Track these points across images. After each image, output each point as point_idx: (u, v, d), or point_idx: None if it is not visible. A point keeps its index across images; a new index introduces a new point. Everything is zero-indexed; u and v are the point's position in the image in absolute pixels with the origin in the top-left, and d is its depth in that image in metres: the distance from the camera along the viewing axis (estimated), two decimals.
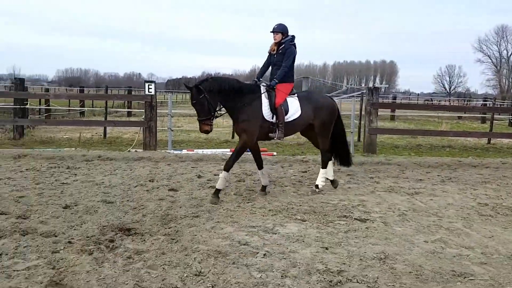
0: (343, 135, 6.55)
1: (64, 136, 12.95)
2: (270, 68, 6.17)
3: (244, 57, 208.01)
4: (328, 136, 6.21)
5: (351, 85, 62.58)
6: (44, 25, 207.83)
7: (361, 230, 4.53)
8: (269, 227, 4.49)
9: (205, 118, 5.39)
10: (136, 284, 3.11)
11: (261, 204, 5.38)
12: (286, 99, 5.85)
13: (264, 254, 3.74)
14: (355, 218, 4.92)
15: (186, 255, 3.66)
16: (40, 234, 4.04)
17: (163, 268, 3.39)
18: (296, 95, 6.04)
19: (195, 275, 3.28)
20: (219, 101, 5.53)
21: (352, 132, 10.76)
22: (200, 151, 9.90)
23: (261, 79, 6.05)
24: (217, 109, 5.52)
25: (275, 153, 9.95)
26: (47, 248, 3.70)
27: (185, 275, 3.28)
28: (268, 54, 6.18)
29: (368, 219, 4.92)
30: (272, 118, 5.71)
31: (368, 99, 10.43)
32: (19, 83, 12.68)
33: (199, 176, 7.03)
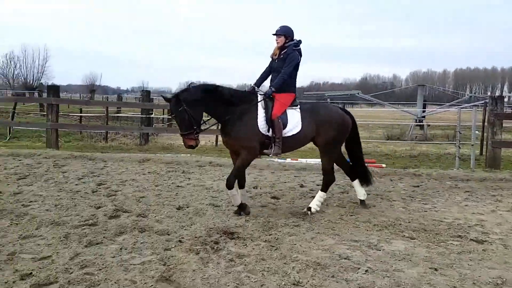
0: (358, 150, 5.89)
1: (182, 143, 14.04)
2: (271, 75, 5.49)
3: (354, 63, 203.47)
4: (333, 155, 5.56)
5: (474, 93, 57.02)
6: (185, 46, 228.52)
7: (477, 252, 4.09)
8: (373, 243, 4.29)
9: (187, 133, 4.84)
10: (236, 287, 3.22)
11: (366, 218, 5.17)
12: (285, 111, 5.22)
13: (366, 270, 3.58)
14: (471, 239, 4.45)
15: (285, 263, 3.68)
16: (156, 232, 4.41)
17: (262, 274, 3.45)
18: (298, 107, 5.39)
19: (293, 284, 3.28)
20: (206, 111, 5.01)
21: (472, 145, 9.78)
22: (304, 160, 9.90)
23: (256, 88, 5.40)
24: (202, 121, 5.01)
25: (384, 165, 9.50)
26: (160, 246, 4.02)
27: (283, 283, 3.29)
28: (270, 59, 5.53)
29: (486, 241, 4.42)
30: (268, 132, 5.10)
31: (491, 109, 9.40)
32: (146, 94, 14.15)
33: (301, 186, 7.03)
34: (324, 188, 5.54)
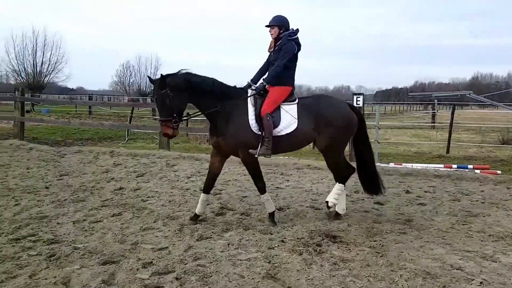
0: (368, 153, 5.25)
1: None
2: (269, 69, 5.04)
3: (464, 65, 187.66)
4: (339, 156, 5.08)
5: None
6: None
7: None
8: (488, 254, 3.96)
9: (165, 120, 4.50)
10: None
11: (479, 228, 4.78)
12: (279, 107, 4.81)
13: (481, 282, 3.33)
14: None
15: (392, 270, 3.57)
16: (259, 231, 4.58)
17: (368, 280, 3.39)
18: (295, 102, 4.92)
19: None
20: (190, 102, 4.71)
21: None
22: (409, 165, 9.42)
23: (252, 84, 4.99)
24: (184, 111, 4.73)
25: (499, 172, 8.64)
26: (264, 244, 4.17)
27: None
28: (268, 53, 5.13)
29: None
30: (260, 130, 4.69)
31: None
32: None
33: (407, 192, 6.71)
34: (342, 181, 5.14)
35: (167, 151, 10.41)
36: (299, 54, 5.04)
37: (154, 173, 7.84)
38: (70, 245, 4.02)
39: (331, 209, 5.11)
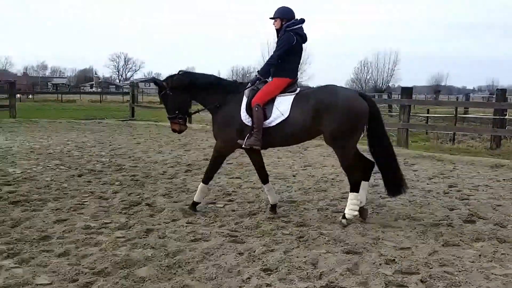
0: (386, 147, 4.65)
1: None
2: None
3: None
4: (348, 147, 4.55)
5: None
6: None
7: None
8: None
9: (171, 117, 4.96)
10: None
11: None
12: (274, 98, 4.67)
13: None
14: None
15: None
16: None
17: None
18: (295, 92, 4.71)
19: None
20: (193, 99, 5.07)
21: None
22: None
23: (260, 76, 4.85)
24: (188, 108, 5.05)
25: None
26: None
27: None
28: None
29: None
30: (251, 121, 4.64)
31: None
32: (500, 93, 12.74)
33: None
34: (355, 188, 4.60)
35: (405, 149, 10.07)
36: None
37: None
38: (316, 230, 4.39)
39: (345, 222, 4.57)
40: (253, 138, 4.63)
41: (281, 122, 4.62)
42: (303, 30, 4.90)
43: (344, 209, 4.67)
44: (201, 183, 5.00)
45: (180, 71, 5.09)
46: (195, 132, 13.81)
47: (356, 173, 4.67)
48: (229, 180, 6.79)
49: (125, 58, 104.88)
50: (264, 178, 5.08)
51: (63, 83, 74.21)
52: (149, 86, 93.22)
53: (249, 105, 4.69)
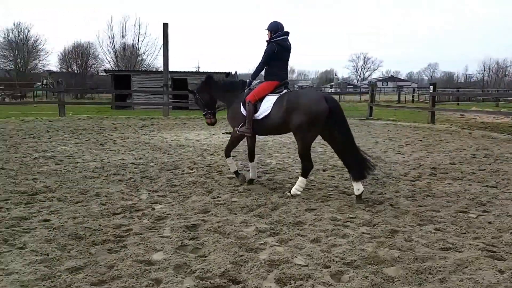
0: (347, 141, 5.35)
1: None
2: None
3: None
4: (305, 140, 5.47)
5: None
6: None
7: None
8: None
9: (204, 114, 6.54)
10: None
11: None
12: (264, 97, 5.75)
13: None
14: None
15: None
16: None
17: None
18: (281, 93, 5.73)
19: None
20: (215, 98, 6.45)
21: None
22: None
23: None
24: (214, 104, 6.53)
25: None
26: None
27: None
28: None
29: None
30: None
31: None
32: None
33: None
34: (303, 174, 5.57)
35: None
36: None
37: None
38: None
39: (289, 194, 5.48)
40: (245, 127, 5.81)
41: (264, 116, 5.69)
42: (286, 41, 5.85)
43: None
44: (225, 158, 6.37)
45: (207, 76, 6.52)
46: (439, 134, 12.85)
47: (309, 162, 5.52)
48: (482, 188, 6.03)
49: (364, 58, 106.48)
50: (251, 158, 6.23)
51: (307, 85, 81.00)
52: (387, 85, 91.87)
53: (244, 101, 5.86)
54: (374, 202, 5.27)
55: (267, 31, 5.84)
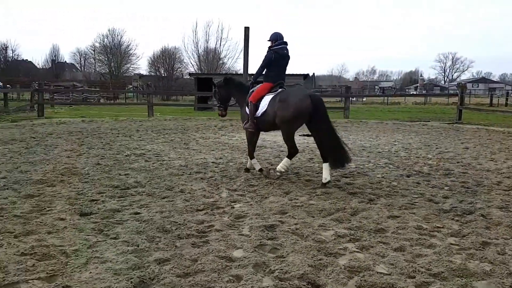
0: (328, 135, 6.13)
1: None
2: None
3: None
4: (287, 132, 6.38)
5: None
6: None
7: None
8: None
9: (218, 105, 7.53)
10: None
11: None
12: (262, 97, 6.57)
13: None
14: None
15: None
16: None
17: None
18: (276, 92, 6.52)
19: None
20: (232, 96, 7.36)
21: None
22: None
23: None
24: (229, 100, 7.46)
25: None
26: None
27: None
28: None
29: None
30: None
31: None
32: None
33: None
34: (289, 156, 6.53)
35: None
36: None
37: None
38: None
39: (276, 174, 6.51)
40: (248, 124, 6.72)
41: (262, 113, 6.53)
42: (284, 49, 6.67)
43: None
44: (249, 160, 7.12)
45: (228, 77, 7.46)
46: None
47: (293, 147, 6.42)
48: None
49: (453, 58, 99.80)
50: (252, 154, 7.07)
51: (389, 86, 77.89)
52: (477, 86, 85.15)
53: (247, 102, 6.76)
54: (464, 212, 4.91)
55: (268, 41, 6.77)
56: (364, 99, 47.43)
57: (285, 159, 6.50)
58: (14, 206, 4.88)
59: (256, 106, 6.57)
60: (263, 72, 6.74)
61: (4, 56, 69.36)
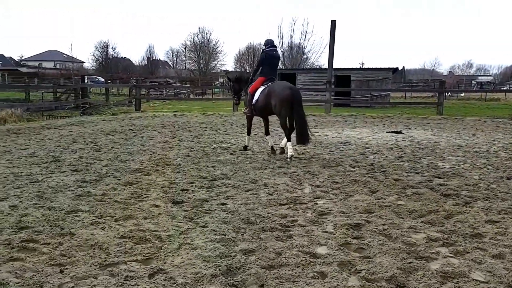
0: (299, 116, 7.59)
1: None
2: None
3: None
4: (280, 116, 7.81)
5: None
6: None
7: None
8: None
9: (233, 96, 9.90)
10: None
11: None
12: (258, 88, 8.18)
13: None
14: None
15: None
16: None
17: None
18: (267, 85, 8.08)
19: None
20: (242, 88, 8.95)
21: None
22: None
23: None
24: (241, 91, 9.03)
25: None
26: None
27: None
28: None
29: None
30: None
31: None
32: None
33: None
34: (288, 139, 7.83)
35: None
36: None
37: None
38: None
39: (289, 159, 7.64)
40: (247, 110, 8.49)
41: (256, 101, 8.12)
42: (273, 51, 8.36)
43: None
44: (265, 136, 8.82)
45: (239, 75, 9.38)
46: None
47: (287, 130, 7.82)
48: None
49: None
50: (267, 132, 8.66)
51: (487, 81, 71.33)
52: None
53: (247, 92, 8.56)
54: None
55: (263, 45, 8.64)
56: (462, 94, 44.04)
57: (288, 144, 7.80)
58: (115, 192, 5.35)
59: (252, 96, 8.21)
60: (259, 71, 8.47)
61: (105, 53, 76.10)
